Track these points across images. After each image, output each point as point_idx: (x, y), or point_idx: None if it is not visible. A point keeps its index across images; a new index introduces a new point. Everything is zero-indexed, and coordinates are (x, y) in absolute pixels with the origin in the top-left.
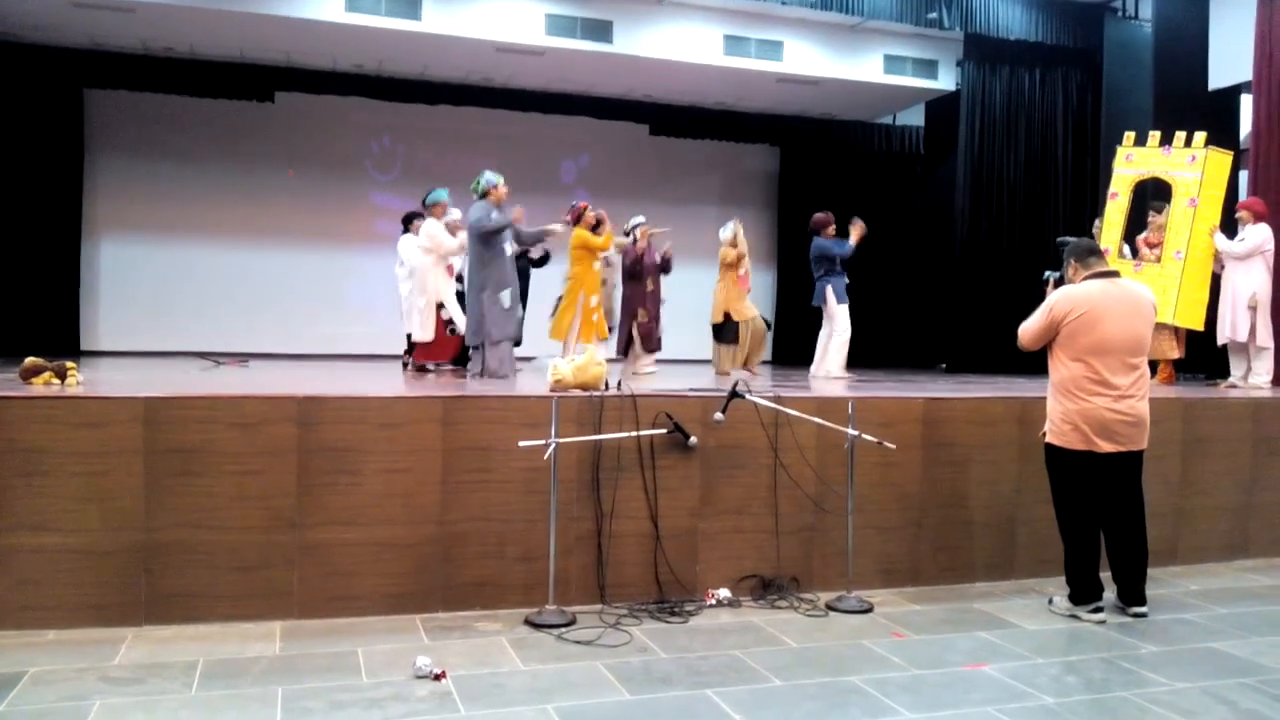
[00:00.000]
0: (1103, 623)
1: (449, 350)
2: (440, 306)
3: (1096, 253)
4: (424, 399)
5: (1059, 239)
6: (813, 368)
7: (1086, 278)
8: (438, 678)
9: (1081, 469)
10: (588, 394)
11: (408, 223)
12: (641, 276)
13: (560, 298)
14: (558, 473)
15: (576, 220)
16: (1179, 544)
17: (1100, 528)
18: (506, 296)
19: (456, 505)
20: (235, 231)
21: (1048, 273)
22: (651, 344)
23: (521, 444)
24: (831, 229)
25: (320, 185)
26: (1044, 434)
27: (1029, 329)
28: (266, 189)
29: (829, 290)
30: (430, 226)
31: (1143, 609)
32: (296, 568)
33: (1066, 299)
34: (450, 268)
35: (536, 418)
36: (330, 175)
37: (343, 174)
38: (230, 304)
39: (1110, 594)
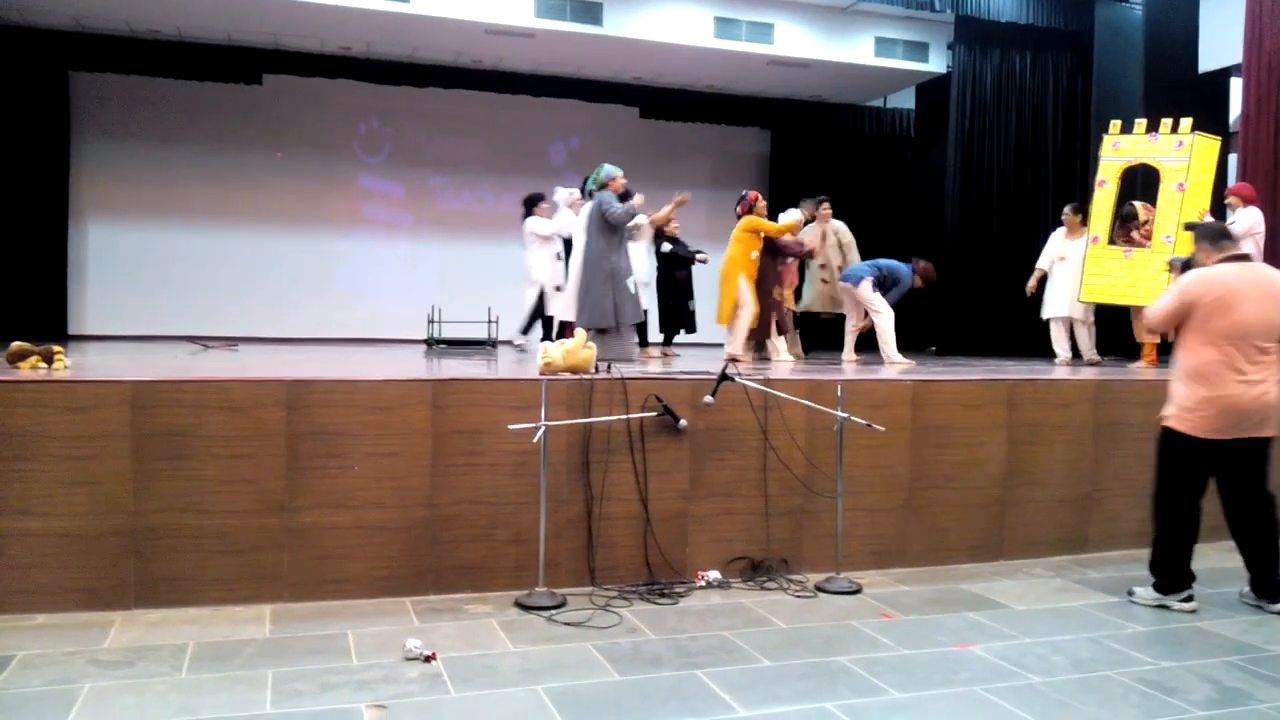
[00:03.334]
0: (1194, 612)
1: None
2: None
3: (1227, 235)
4: (413, 382)
5: (1186, 224)
6: (844, 353)
7: (1219, 260)
8: (428, 659)
9: (1202, 456)
10: (577, 377)
11: (531, 205)
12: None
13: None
14: (548, 455)
15: (749, 210)
16: None
17: (1228, 518)
18: (632, 283)
19: (446, 488)
20: (223, 215)
21: (1172, 257)
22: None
23: (511, 427)
24: None
25: (308, 168)
26: (1164, 417)
27: (1159, 310)
28: (254, 172)
29: (869, 279)
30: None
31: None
32: (286, 551)
33: (1200, 281)
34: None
35: (526, 400)
36: (318, 158)
37: (331, 157)
38: (218, 288)
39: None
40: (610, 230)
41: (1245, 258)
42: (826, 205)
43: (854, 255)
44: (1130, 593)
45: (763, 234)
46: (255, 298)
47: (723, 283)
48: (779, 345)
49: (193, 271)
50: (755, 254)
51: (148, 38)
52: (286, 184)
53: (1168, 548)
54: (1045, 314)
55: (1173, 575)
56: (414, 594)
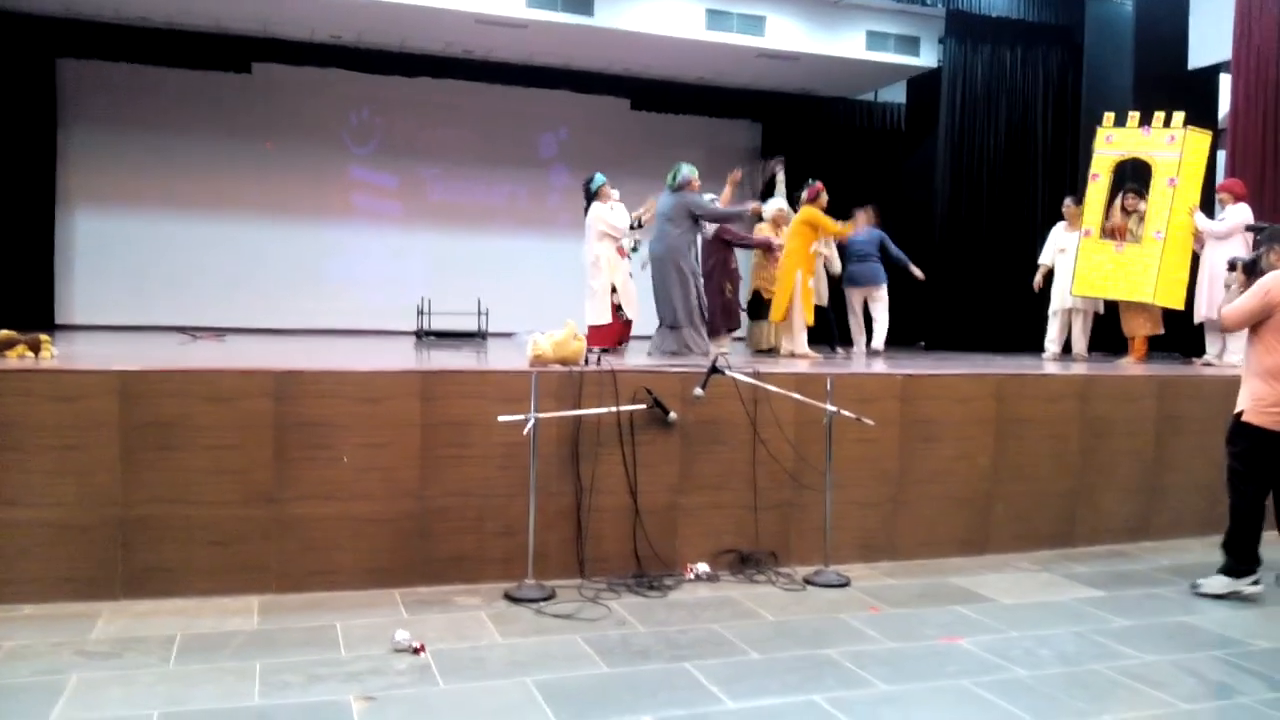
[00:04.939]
0: (1260, 593)
1: (613, 335)
2: (614, 290)
3: None
4: (402, 373)
5: (1249, 225)
6: (875, 342)
7: None
8: (416, 651)
9: (1276, 449)
10: (567, 369)
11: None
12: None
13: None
14: (537, 448)
15: (813, 199)
16: (1152, 519)
17: None
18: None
19: (435, 480)
20: (212, 204)
21: (1234, 257)
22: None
23: (501, 419)
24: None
25: (298, 158)
26: (1242, 413)
27: (1239, 309)
28: (243, 161)
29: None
30: (598, 210)
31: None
32: (274, 542)
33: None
34: (621, 249)
35: (516, 393)
36: (308, 148)
37: (320, 146)
38: (207, 278)
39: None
40: (699, 228)
41: None
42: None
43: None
44: (1195, 586)
45: (820, 229)
46: (244, 288)
47: (780, 278)
48: (718, 340)
49: (181, 261)
50: (814, 247)
51: (136, 25)
52: (276, 173)
53: (1242, 535)
54: (1053, 306)
55: (1245, 560)
56: (403, 585)
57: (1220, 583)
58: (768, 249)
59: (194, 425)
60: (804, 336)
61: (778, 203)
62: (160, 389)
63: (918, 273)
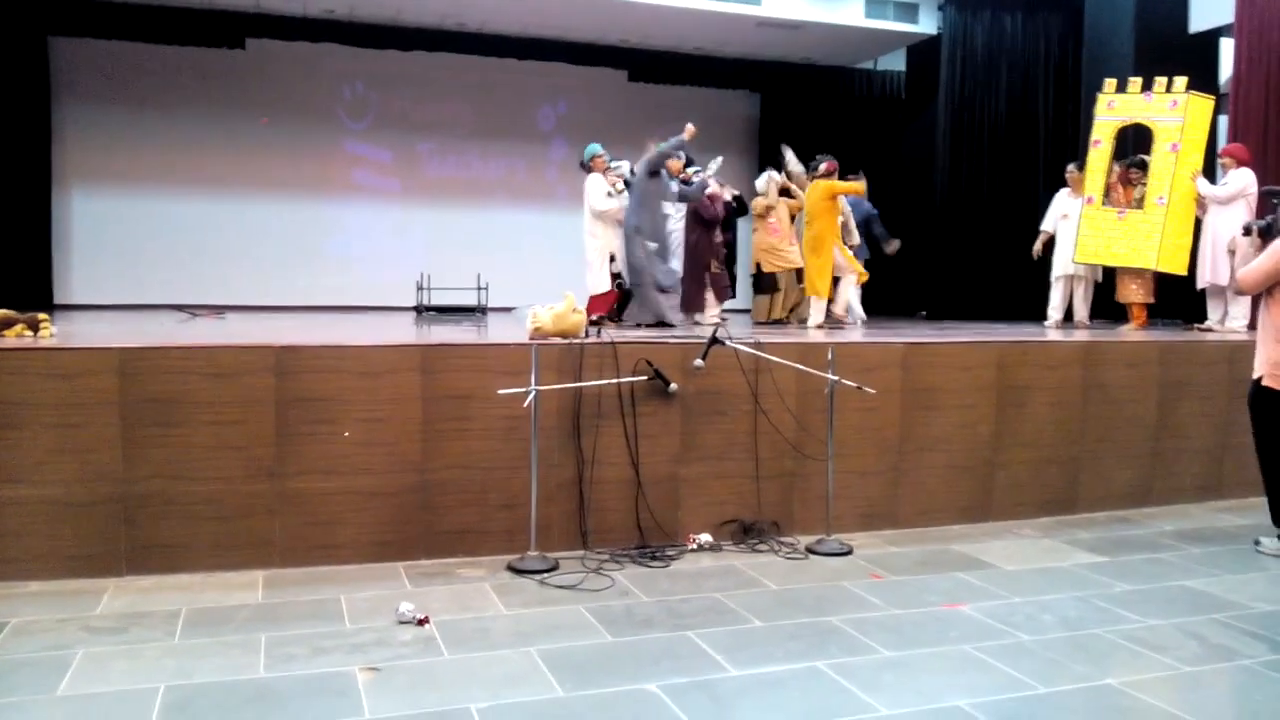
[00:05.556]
0: None
1: (608, 303)
2: (611, 259)
3: None
4: (402, 347)
5: (1265, 188)
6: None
7: None
8: (421, 623)
9: None
10: (567, 341)
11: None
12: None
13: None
14: (538, 420)
15: (829, 175)
16: (1154, 485)
17: None
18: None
19: (437, 453)
20: (208, 181)
21: (1249, 221)
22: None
23: (501, 392)
24: None
25: (293, 134)
26: (1260, 378)
27: (1255, 271)
28: (239, 138)
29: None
30: (590, 181)
31: None
32: (277, 517)
33: None
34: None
35: (516, 365)
36: (303, 123)
37: (316, 122)
38: (205, 255)
39: None
40: (641, 198)
41: None
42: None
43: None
44: (1257, 543)
45: (837, 195)
46: (242, 265)
47: (814, 253)
48: (708, 310)
49: (179, 239)
50: (840, 219)
51: (129, 1)
52: (272, 150)
53: None
54: (1055, 273)
55: None
56: (406, 558)
57: (1275, 545)
58: (711, 220)
59: (195, 401)
60: (853, 298)
61: (774, 174)
62: (161, 366)
63: (891, 248)
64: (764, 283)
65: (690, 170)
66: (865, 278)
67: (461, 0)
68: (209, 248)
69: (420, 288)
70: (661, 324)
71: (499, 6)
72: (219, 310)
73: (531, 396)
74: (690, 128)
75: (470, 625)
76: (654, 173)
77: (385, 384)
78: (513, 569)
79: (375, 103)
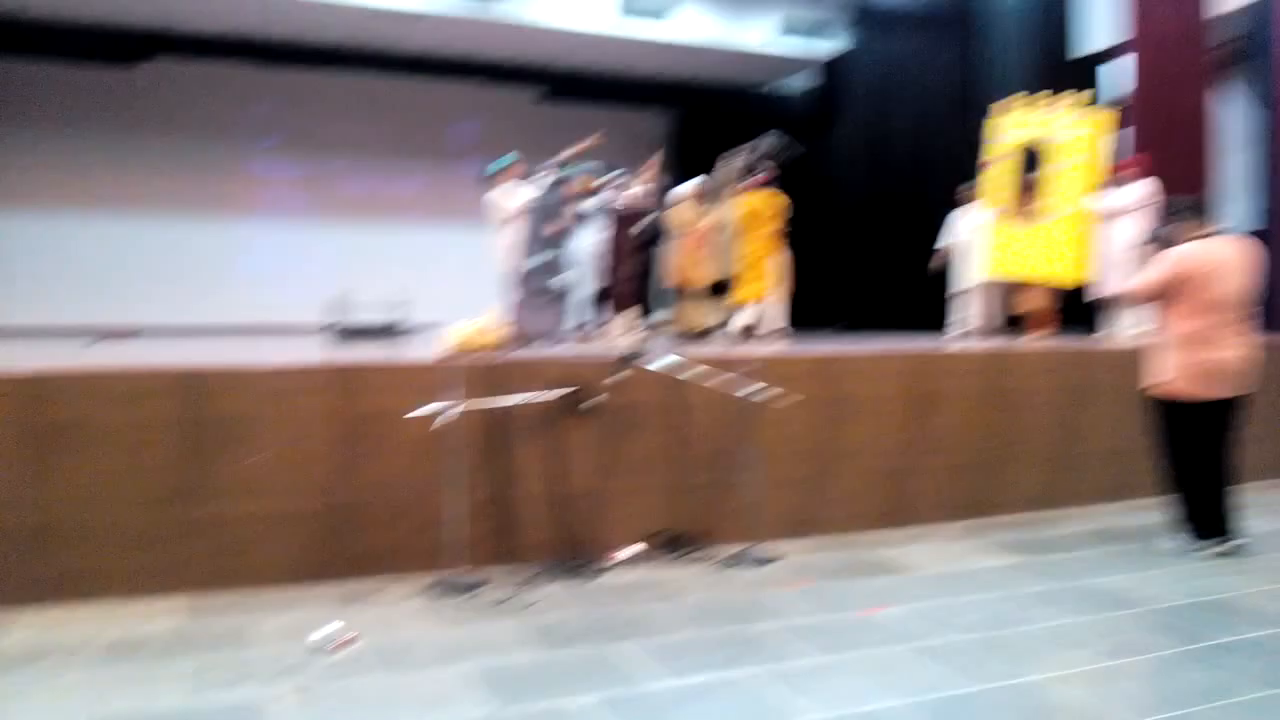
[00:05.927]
0: (1225, 554)
1: None
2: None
3: (1206, 211)
4: (318, 368)
5: (1165, 199)
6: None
7: (1200, 235)
8: (345, 644)
9: (1197, 416)
10: (487, 357)
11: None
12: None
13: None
14: (460, 437)
15: (759, 187)
16: (1063, 487)
17: (1196, 468)
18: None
19: (358, 473)
20: (114, 202)
21: (1149, 231)
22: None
23: (420, 410)
24: None
25: (198, 153)
26: (1157, 384)
27: (1148, 283)
28: (143, 158)
29: None
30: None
31: (1243, 539)
32: (195, 541)
33: (1190, 256)
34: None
35: (435, 383)
36: (209, 142)
37: (223, 141)
38: (111, 277)
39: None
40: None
41: (1222, 232)
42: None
43: None
44: (1161, 541)
45: (767, 211)
46: (150, 287)
47: (756, 264)
48: (620, 322)
49: (84, 261)
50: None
51: (19, 17)
52: (178, 169)
53: (1196, 502)
54: (955, 288)
55: (1209, 525)
56: (329, 580)
57: (1181, 544)
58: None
59: (104, 427)
60: (780, 312)
61: (692, 182)
62: (68, 390)
63: None
64: (684, 294)
65: (609, 176)
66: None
67: (370, 19)
68: (115, 270)
69: (335, 307)
70: (548, 338)
71: (408, 26)
72: (130, 333)
73: (452, 413)
74: (591, 139)
75: (396, 645)
76: (551, 190)
77: (301, 404)
78: (438, 588)
79: (282, 122)
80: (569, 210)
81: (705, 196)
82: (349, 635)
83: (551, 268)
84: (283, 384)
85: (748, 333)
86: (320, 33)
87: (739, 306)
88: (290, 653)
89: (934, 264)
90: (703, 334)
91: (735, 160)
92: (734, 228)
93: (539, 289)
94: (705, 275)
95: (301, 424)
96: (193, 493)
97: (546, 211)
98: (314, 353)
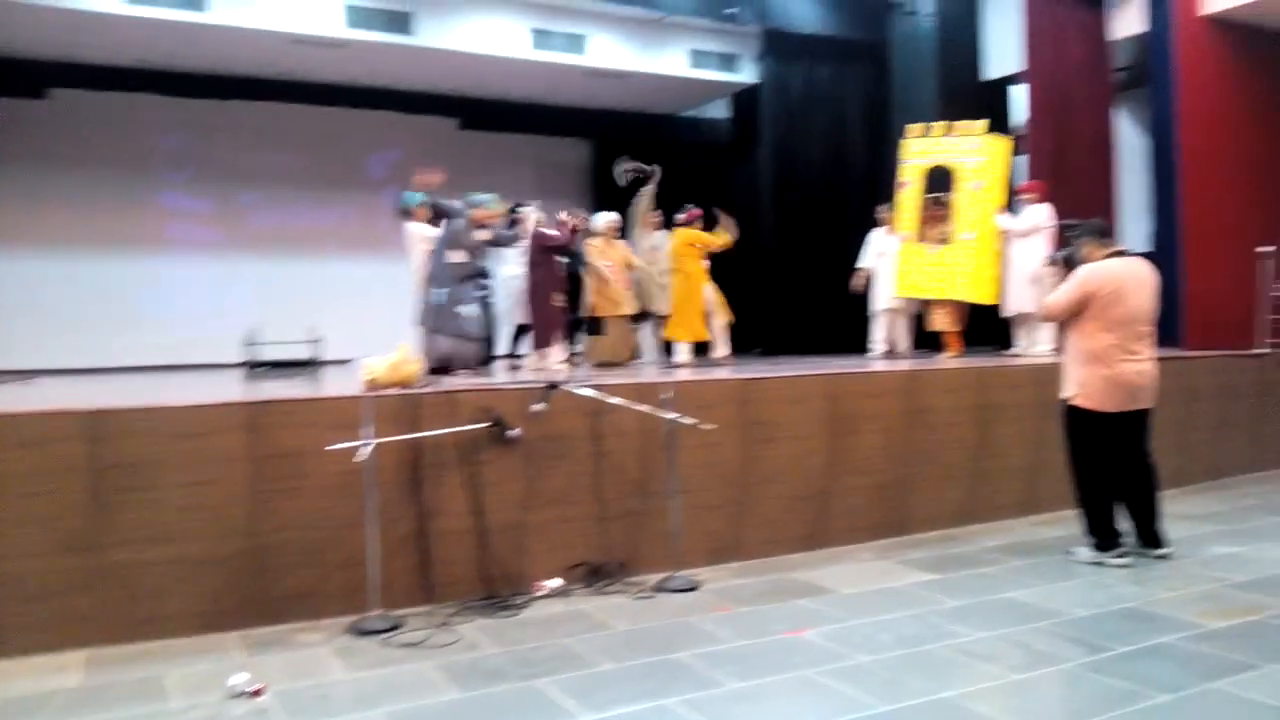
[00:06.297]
0: (1128, 566)
1: None
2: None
3: (1110, 232)
4: (225, 406)
5: (1064, 222)
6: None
7: (1105, 256)
8: (255, 694)
9: (1108, 428)
10: (403, 392)
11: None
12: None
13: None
14: (376, 474)
15: (689, 223)
16: (978, 503)
17: (1116, 481)
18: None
19: (268, 515)
20: (14, 239)
21: (1052, 253)
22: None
23: (334, 447)
24: None
25: (106, 187)
26: (1070, 398)
27: (1060, 302)
28: (49, 192)
29: None
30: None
31: (1167, 549)
32: (96, 592)
33: (1097, 275)
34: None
35: (350, 419)
36: (116, 176)
37: (130, 174)
38: (11, 316)
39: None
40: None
41: (1126, 252)
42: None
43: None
44: (1070, 552)
45: (703, 246)
46: (53, 326)
47: (692, 299)
48: (543, 353)
49: None
50: (705, 264)
51: None
52: (84, 204)
53: (1097, 513)
54: (873, 309)
55: (1108, 536)
56: (239, 628)
57: (1087, 554)
58: (560, 249)
59: None
60: (725, 340)
61: (609, 215)
62: None
63: None
64: (597, 325)
65: (521, 210)
66: (732, 319)
67: (284, 50)
68: (15, 308)
69: (249, 343)
70: (460, 369)
71: (323, 56)
72: (26, 375)
73: (367, 450)
74: (430, 172)
75: (309, 693)
76: (444, 220)
77: (209, 445)
78: (354, 631)
79: (195, 153)
80: (473, 241)
81: (623, 228)
82: (258, 685)
83: (456, 299)
84: (191, 423)
85: (681, 365)
86: (234, 63)
87: (676, 342)
88: (197, 706)
89: (855, 284)
90: (623, 364)
91: (645, 192)
92: (665, 263)
93: (445, 321)
94: (625, 306)
95: (211, 464)
96: (95, 540)
97: (450, 242)
98: (226, 390)
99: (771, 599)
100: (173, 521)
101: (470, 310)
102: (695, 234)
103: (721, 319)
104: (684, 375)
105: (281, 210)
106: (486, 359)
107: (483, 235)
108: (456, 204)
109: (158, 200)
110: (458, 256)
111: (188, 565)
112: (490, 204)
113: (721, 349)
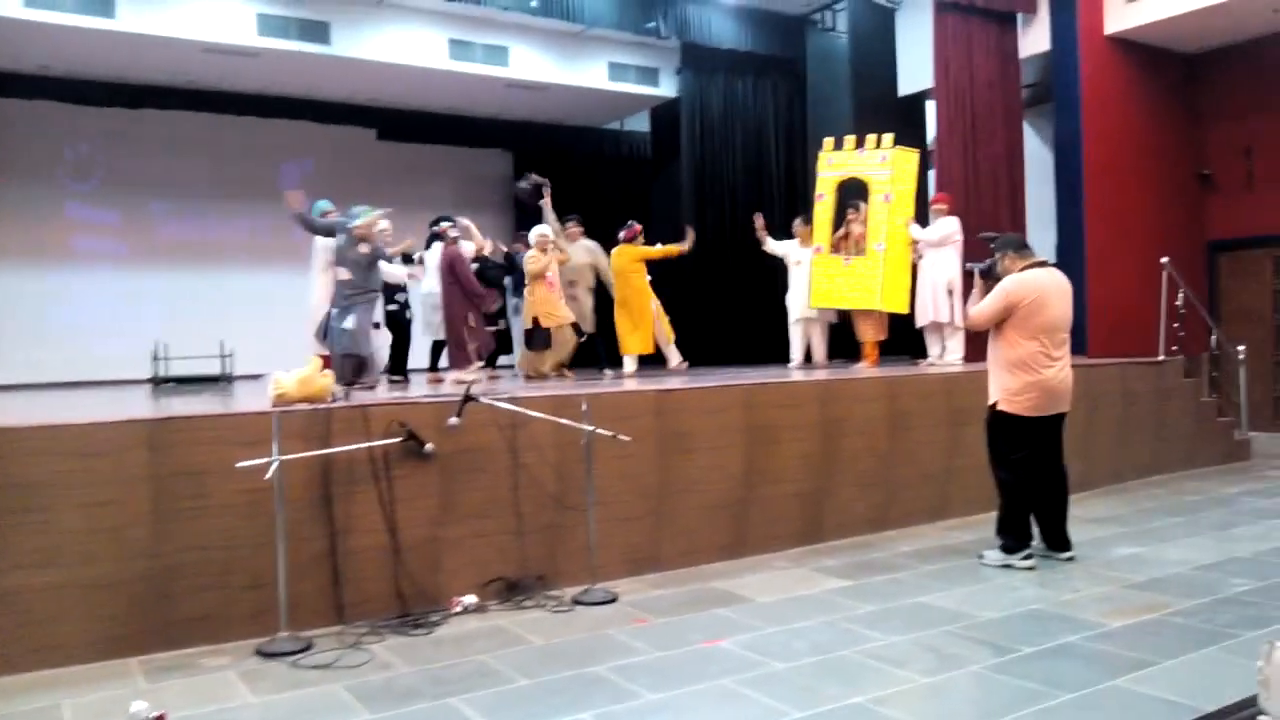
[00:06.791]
0: (1033, 569)
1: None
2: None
3: (1027, 245)
4: (126, 423)
5: (982, 234)
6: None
7: (1025, 267)
8: None
9: (1030, 432)
10: (313, 407)
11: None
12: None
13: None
14: (284, 492)
15: (632, 240)
16: (891, 510)
17: (1032, 484)
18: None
19: (171, 536)
20: None
21: (970, 265)
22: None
23: (239, 465)
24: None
25: (6, 198)
26: (994, 404)
27: (984, 311)
28: None
29: None
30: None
31: (1071, 552)
32: None
33: (1021, 285)
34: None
35: (257, 435)
36: (18, 186)
37: (32, 184)
38: None
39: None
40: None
41: (1046, 262)
42: (575, 224)
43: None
44: (980, 556)
45: (649, 259)
46: None
47: (642, 312)
48: (459, 367)
49: None
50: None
51: None
52: None
53: (1013, 515)
54: (790, 319)
55: (1019, 538)
56: (140, 653)
57: (996, 557)
58: (475, 295)
59: None
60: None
61: (542, 228)
62: None
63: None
64: (538, 339)
65: (444, 225)
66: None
67: (194, 58)
68: None
69: (156, 358)
70: (360, 383)
71: (236, 64)
72: None
73: (274, 467)
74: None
75: (213, 719)
76: (343, 234)
77: (108, 464)
78: (261, 653)
79: (101, 163)
80: (356, 256)
81: (552, 242)
82: (158, 713)
83: (342, 314)
84: (88, 442)
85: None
86: (143, 70)
87: (626, 355)
88: None
89: (759, 226)
90: (550, 376)
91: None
92: (608, 277)
93: (333, 336)
94: (556, 318)
95: (110, 484)
96: None
97: (337, 258)
98: (128, 407)
99: (689, 609)
100: (68, 544)
101: (349, 324)
102: (639, 250)
103: (667, 330)
104: (600, 388)
105: (191, 221)
106: (361, 373)
107: (364, 250)
108: (340, 220)
109: (63, 211)
110: (343, 273)
111: (85, 589)
112: (364, 216)
113: (675, 358)
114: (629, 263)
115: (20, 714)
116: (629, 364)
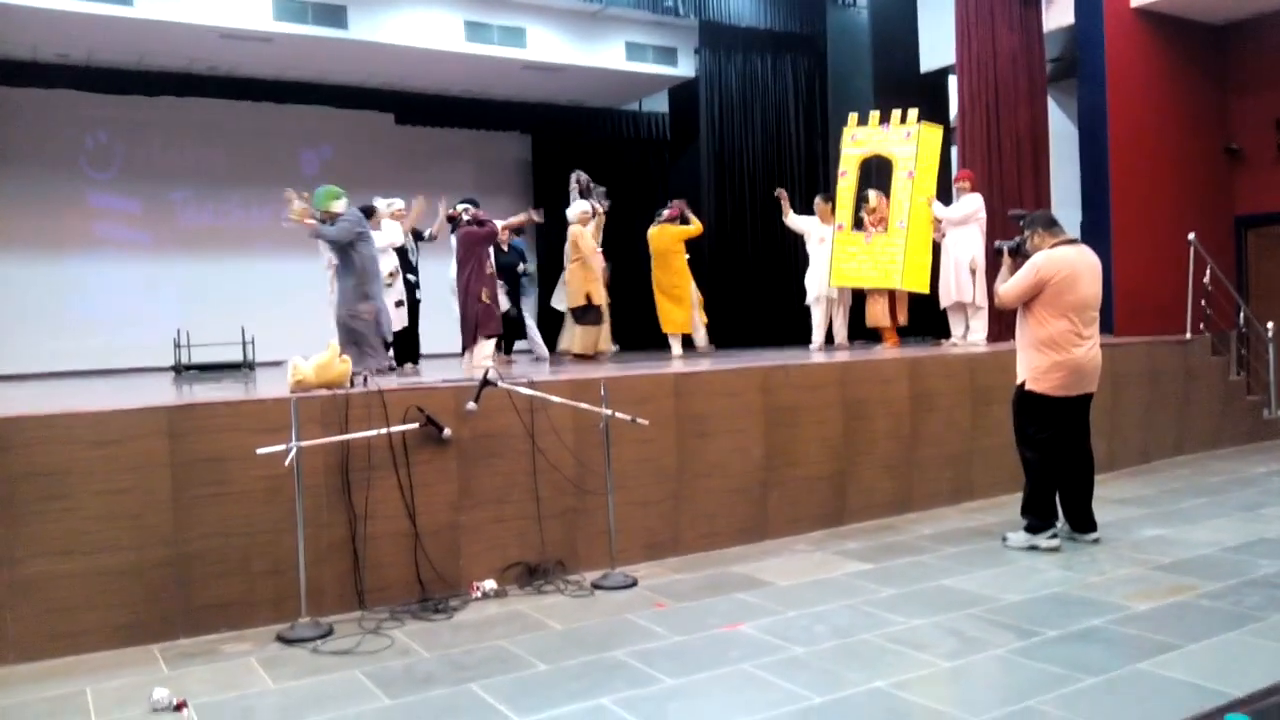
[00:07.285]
0: (1058, 549)
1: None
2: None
3: (1057, 222)
4: (144, 411)
5: (1011, 212)
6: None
7: (1055, 244)
8: (178, 708)
9: (1059, 412)
10: (332, 393)
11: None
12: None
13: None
14: (303, 478)
15: (675, 219)
16: (913, 492)
17: (1059, 464)
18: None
19: (192, 523)
20: None
21: (999, 242)
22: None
23: (259, 451)
24: None
25: (28, 187)
26: (1022, 383)
27: (1014, 288)
28: None
29: None
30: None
31: (1096, 534)
32: (7, 609)
33: (1052, 262)
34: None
35: (277, 422)
36: (39, 175)
37: (54, 174)
38: None
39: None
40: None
41: (1076, 240)
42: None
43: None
44: (1004, 538)
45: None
46: None
47: (682, 294)
48: (478, 350)
49: None
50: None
51: None
52: (5, 205)
53: (1040, 494)
54: (809, 298)
55: (1045, 517)
56: (162, 640)
57: (1020, 538)
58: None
59: None
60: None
61: (581, 204)
62: None
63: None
64: (591, 315)
65: (459, 208)
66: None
67: (211, 44)
68: None
69: (178, 345)
70: (374, 368)
71: (253, 50)
72: None
73: (293, 453)
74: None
75: (234, 705)
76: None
77: (127, 451)
78: (282, 639)
79: (121, 151)
80: (371, 242)
81: (591, 218)
82: (179, 699)
83: (356, 295)
84: (108, 430)
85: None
86: (161, 58)
87: (671, 335)
88: None
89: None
90: (590, 356)
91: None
92: (657, 259)
93: (354, 320)
94: (596, 296)
95: (130, 472)
96: (6, 554)
97: (354, 241)
98: (149, 395)
99: (709, 593)
100: (90, 532)
101: (374, 307)
102: (680, 229)
103: (701, 315)
104: (618, 371)
105: (211, 209)
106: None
107: (388, 237)
108: (348, 221)
109: (84, 200)
110: (360, 257)
111: (106, 577)
112: (317, 198)
113: (703, 340)
114: (672, 242)
115: (43, 700)
116: (675, 345)
